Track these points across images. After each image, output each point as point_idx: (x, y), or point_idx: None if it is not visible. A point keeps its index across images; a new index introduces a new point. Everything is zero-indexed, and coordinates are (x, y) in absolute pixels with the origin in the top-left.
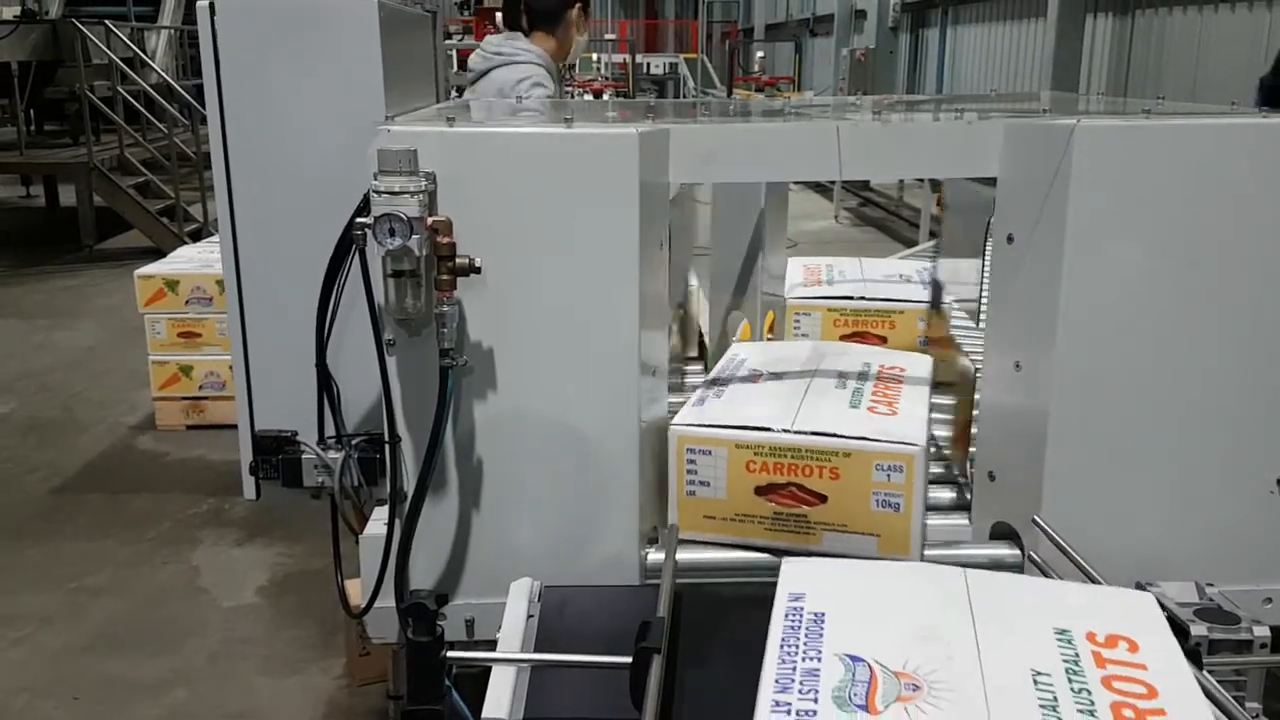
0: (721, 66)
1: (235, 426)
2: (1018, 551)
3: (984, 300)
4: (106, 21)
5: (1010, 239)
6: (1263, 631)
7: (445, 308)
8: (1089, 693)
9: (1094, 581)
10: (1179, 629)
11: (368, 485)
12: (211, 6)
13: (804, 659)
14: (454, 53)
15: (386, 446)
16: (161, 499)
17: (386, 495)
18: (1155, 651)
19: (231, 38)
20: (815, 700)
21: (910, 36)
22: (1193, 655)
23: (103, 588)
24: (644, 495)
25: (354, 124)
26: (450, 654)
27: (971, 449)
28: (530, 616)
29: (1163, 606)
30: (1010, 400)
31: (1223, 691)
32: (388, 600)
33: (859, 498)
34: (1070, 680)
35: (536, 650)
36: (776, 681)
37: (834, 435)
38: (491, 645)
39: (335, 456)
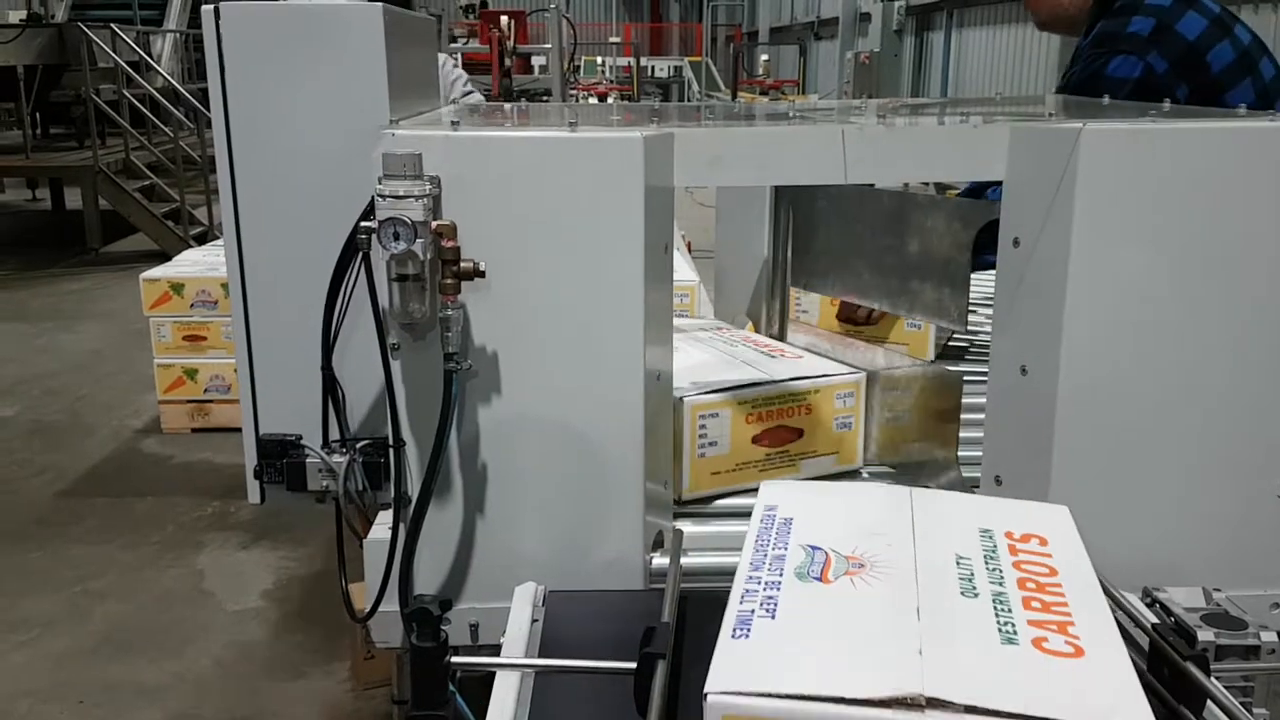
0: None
1: (240, 430)
2: None
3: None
4: (112, 25)
5: (1016, 242)
6: (1270, 637)
7: (449, 312)
8: (1000, 571)
9: (1103, 587)
10: (1185, 634)
11: (372, 489)
12: (216, 10)
13: (774, 549)
14: (459, 56)
15: (391, 451)
16: (166, 502)
17: (390, 499)
18: (1061, 545)
19: (236, 42)
20: (781, 575)
21: (915, 40)
22: (1200, 661)
23: (107, 591)
24: (649, 499)
25: (358, 128)
26: (454, 659)
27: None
28: (535, 621)
29: (1169, 612)
30: (1016, 404)
31: (1229, 698)
32: (392, 605)
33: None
34: (986, 562)
35: (541, 655)
36: (750, 563)
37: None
38: (495, 650)
39: (340, 461)
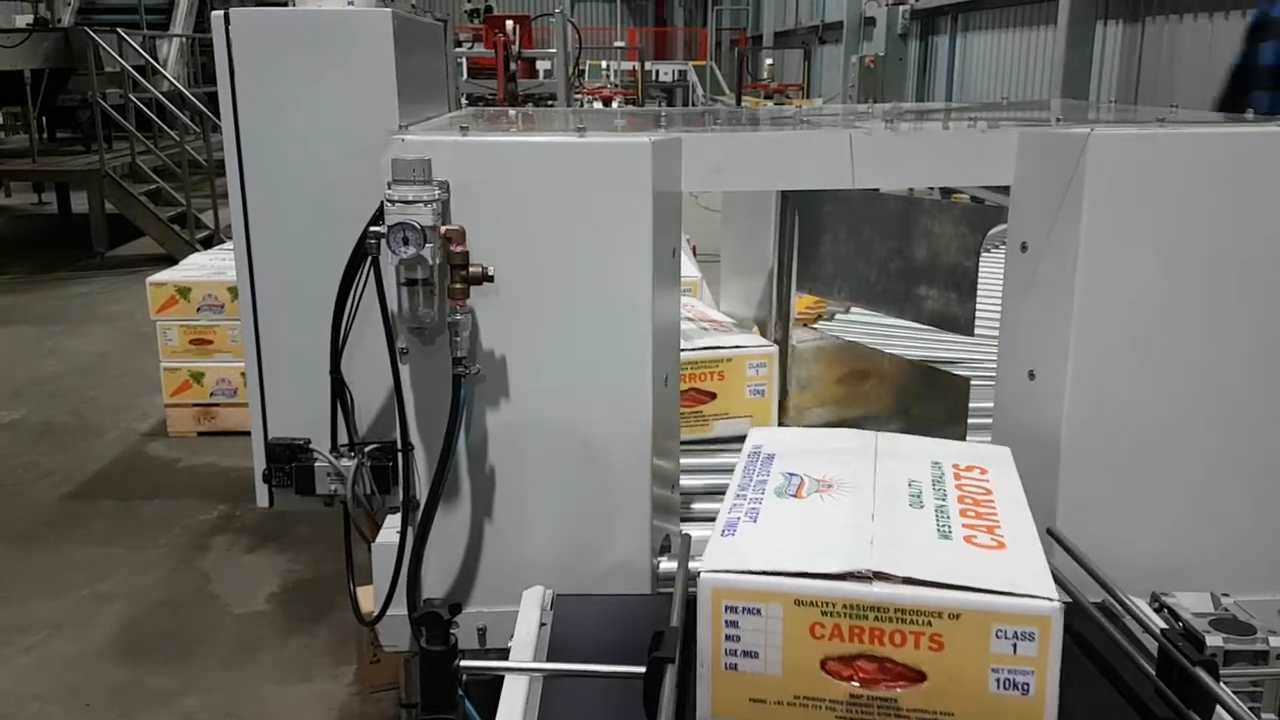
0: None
1: (247, 433)
2: None
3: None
4: (118, 30)
5: (1024, 247)
6: (1278, 642)
7: (458, 316)
8: (944, 491)
9: (1111, 594)
10: (1194, 640)
11: (380, 493)
12: (226, 17)
13: (758, 476)
14: (464, 60)
15: (399, 454)
16: (173, 505)
17: (399, 503)
18: (998, 474)
19: (246, 47)
20: (763, 494)
21: (920, 43)
22: (1209, 666)
23: (114, 594)
24: (656, 504)
25: (368, 133)
26: (463, 663)
27: None
28: (543, 625)
29: (1177, 617)
30: (1024, 410)
31: (1239, 703)
32: (400, 608)
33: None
34: (933, 485)
35: (549, 659)
36: (738, 486)
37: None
38: (504, 654)
39: (348, 464)
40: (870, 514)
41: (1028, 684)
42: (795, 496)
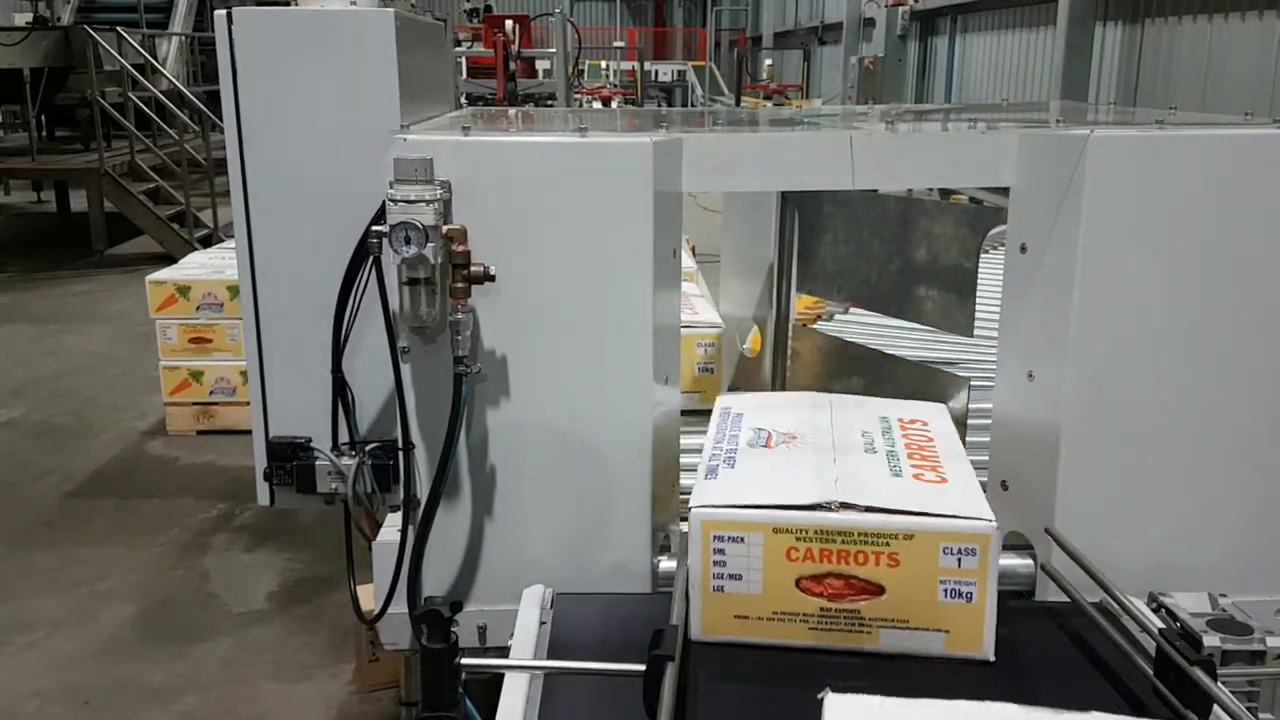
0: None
1: (246, 432)
2: (1030, 562)
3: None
4: (118, 28)
5: (1024, 248)
6: (1276, 643)
7: (459, 315)
8: (893, 440)
9: (1109, 594)
10: (1191, 640)
11: (381, 491)
12: (229, 16)
13: (730, 431)
14: (463, 60)
15: (400, 453)
16: (172, 504)
17: (399, 502)
18: (938, 426)
19: (249, 46)
20: (737, 445)
21: (919, 44)
22: (1206, 666)
23: (113, 593)
24: (656, 503)
25: (370, 132)
26: (464, 661)
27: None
28: (543, 624)
29: (1174, 617)
30: (1023, 410)
31: (1236, 702)
32: (400, 606)
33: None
34: (883, 435)
35: (549, 658)
36: (714, 440)
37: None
38: (504, 652)
39: (349, 463)
40: (832, 459)
41: (971, 593)
42: (765, 447)
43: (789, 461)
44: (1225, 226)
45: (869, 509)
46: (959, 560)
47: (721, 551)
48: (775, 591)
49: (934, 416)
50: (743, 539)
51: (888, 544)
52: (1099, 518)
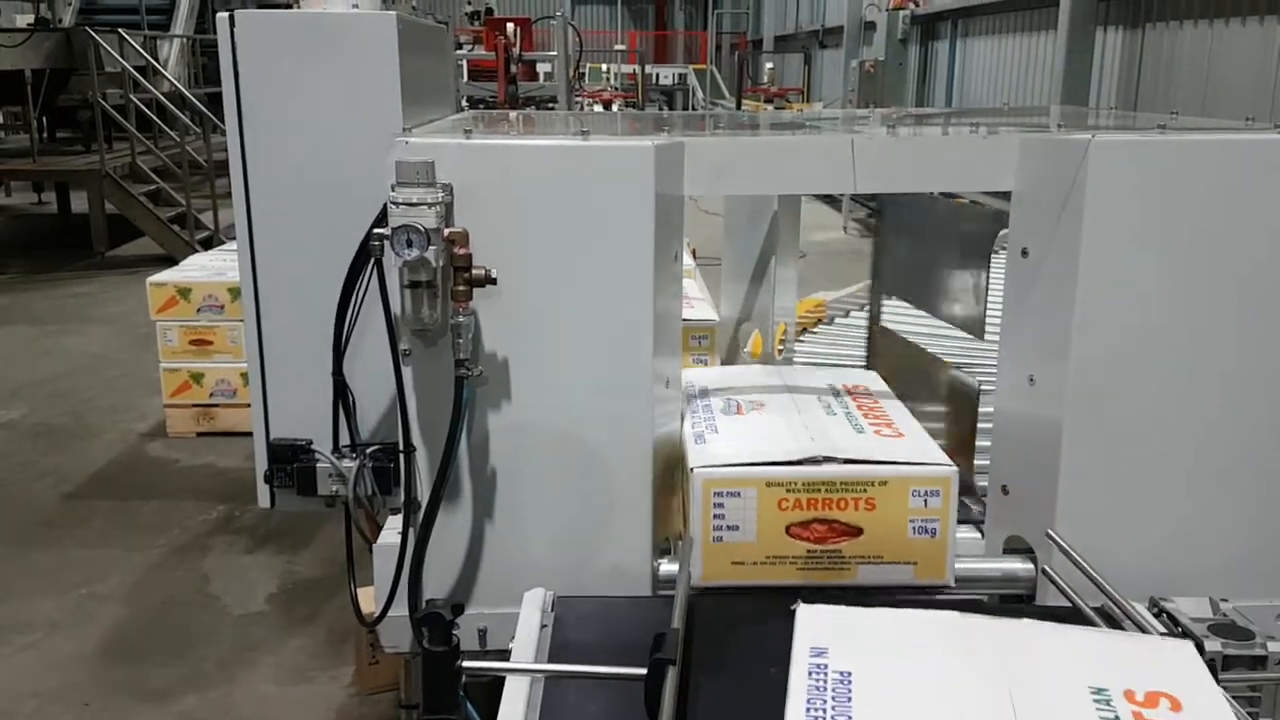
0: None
1: (246, 434)
2: (1031, 566)
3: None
4: (120, 30)
5: (1025, 253)
6: (1277, 647)
7: (461, 318)
8: (845, 402)
9: (1110, 598)
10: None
11: (381, 494)
12: (231, 18)
13: (702, 402)
14: (464, 63)
15: (401, 456)
16: (172, 506)
17: (399, 504)
18: (876, 389)
19: (251, 49)
20: (712, 414)
21: (919, 48)
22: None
23: (112, 594)
24: (656, 506)
25: (372, 135)
26: (465, 663)
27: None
28: (544, 627)
29: (1176, 622)
30: (1024, 414)
31: (1237, 708)
32: (401, 609)
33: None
34: (835, 397)
35: (550, 660)
36: (689, 410)
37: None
38: (504, 655)
39: (350, 465)
40: (800, 420)
41: (935, 529)
42: (738, 414)
43: (763, 424)
44: (1227, 231)
45: (849, 461)
46: (925, 501)
47: (720, 506)
48: (767, 538)
49: (871, 381)
50: (739, 494)
51: (864, 490)
52: (1100, 522)
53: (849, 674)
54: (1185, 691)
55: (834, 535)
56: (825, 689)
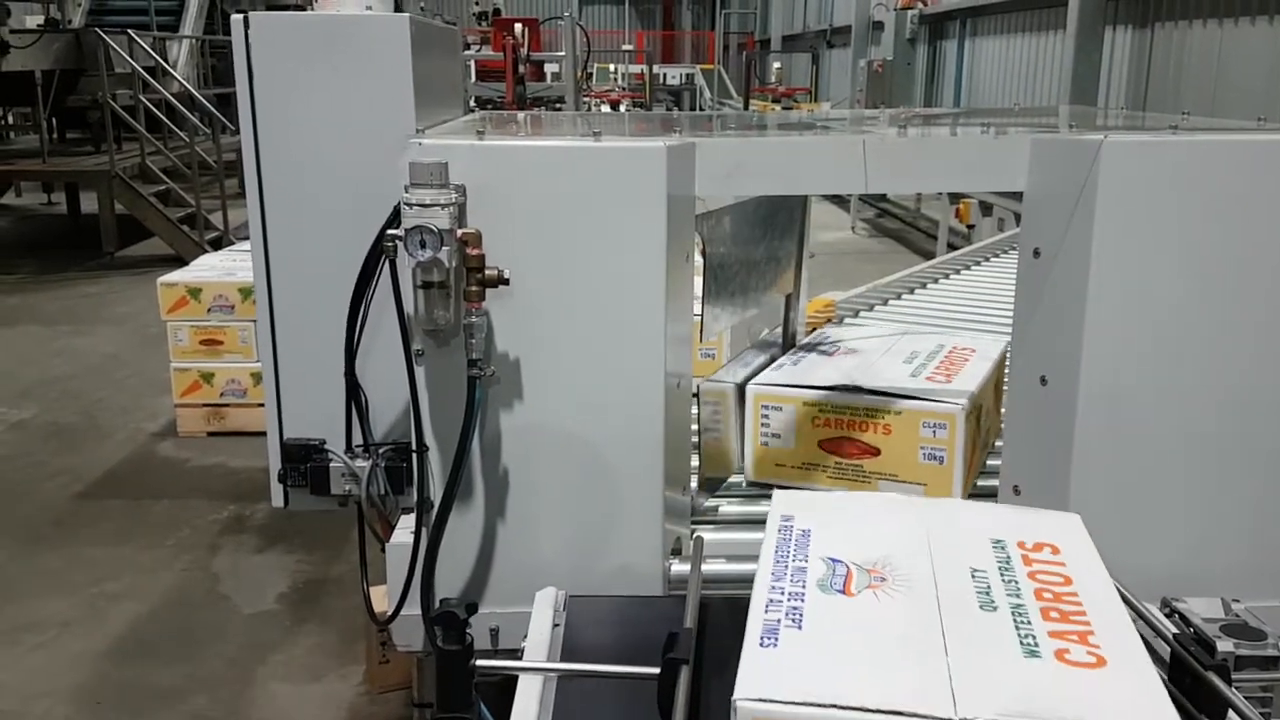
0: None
1: (256, 433)
2: None
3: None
4: (129, 31)
5: (1037, 253)
6: None
7: (474, 319)
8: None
9: (1122, 598)
10: (1205, 645)
11: (394, 494)
12: (245, 20)
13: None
14: (472, 63)
15: (414, 456)
16: (182, 505)
17: (412, 504)
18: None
19: (265, 51)
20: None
21: (928, 48)
22: (1220, 671)
23: (123, 593)
24: (668, 506)
25: (385, 137)
26: (478, 663)
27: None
28: (556, 626)
29: (1188, 622)
30: (1036, 414)
31: (1250, 708)
32: (414, 608)
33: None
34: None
35: (563, 660)
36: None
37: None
38: (516, 654)
39: (362, 465)
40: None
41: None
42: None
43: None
44: (1240, 232)
45: None
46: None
47: None
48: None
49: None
50: None
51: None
52: (1112, 522)
53: (809, 531)
54: (1065, 543)
55: (856, 453)
56: (790, 540)
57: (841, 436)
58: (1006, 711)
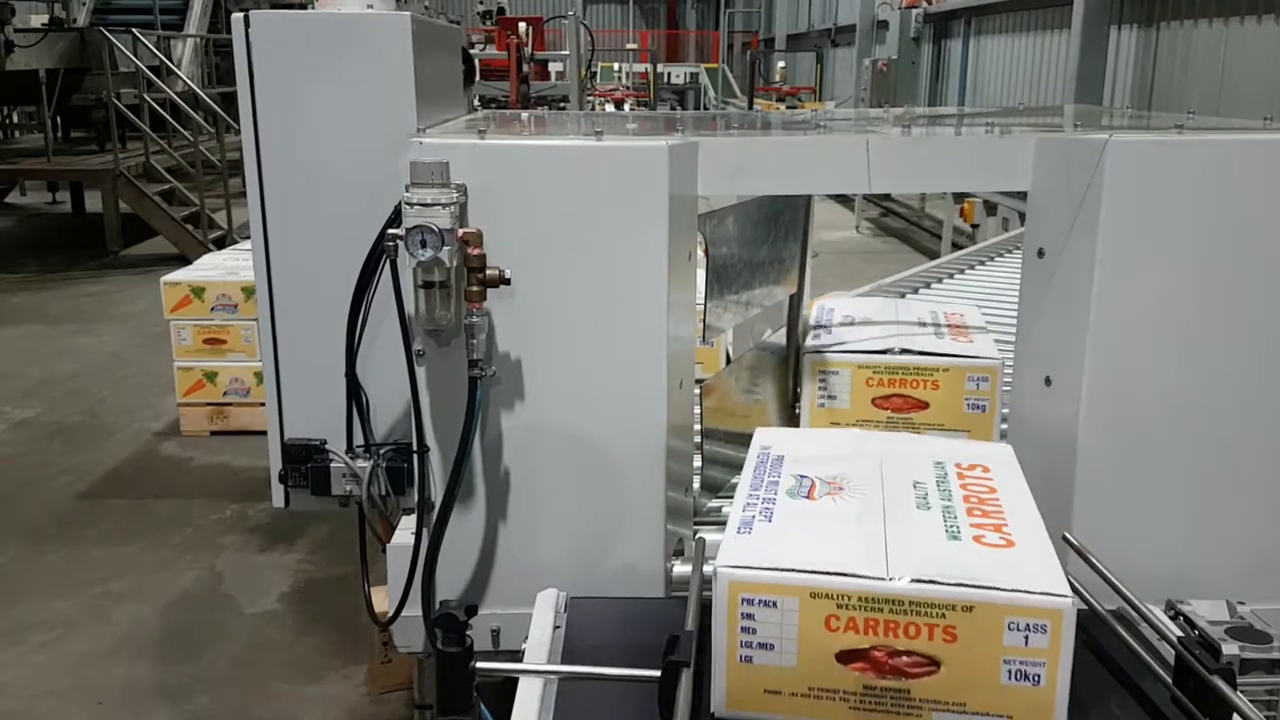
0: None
1: (259, 432)
2: None
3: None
4: (133, 30)
5: (1041, 253)
6: None
7: (474, 318)
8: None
9: (1127, 601)
10: (1210, 648)
11: (395, 494)
12: (246, 19)
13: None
14: (476, 63)
15: (415, 456)
16: (185, 504)
17: (413, 505)
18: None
19: (266, 49)
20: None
21: (932, 47)
22: (1225, 674)
23: (126, 593)
24: (670, 507)
25: (386, 136)
26: (479, 664)
27: None
28: (557, 628)
29: (1193, 625)
30: (1040, 415)
31: (1255, 711)
32: (414, 609)
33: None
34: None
35: (563, 662)
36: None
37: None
38: (517, 656)
39: (363, 465)
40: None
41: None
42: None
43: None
44: (1245, 232)
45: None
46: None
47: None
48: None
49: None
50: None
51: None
52: (1116, 524)
53: (783, 457)
54: (995, 465)
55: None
56: (766, 463)
57: (894, 394)
58: (927, 573)
